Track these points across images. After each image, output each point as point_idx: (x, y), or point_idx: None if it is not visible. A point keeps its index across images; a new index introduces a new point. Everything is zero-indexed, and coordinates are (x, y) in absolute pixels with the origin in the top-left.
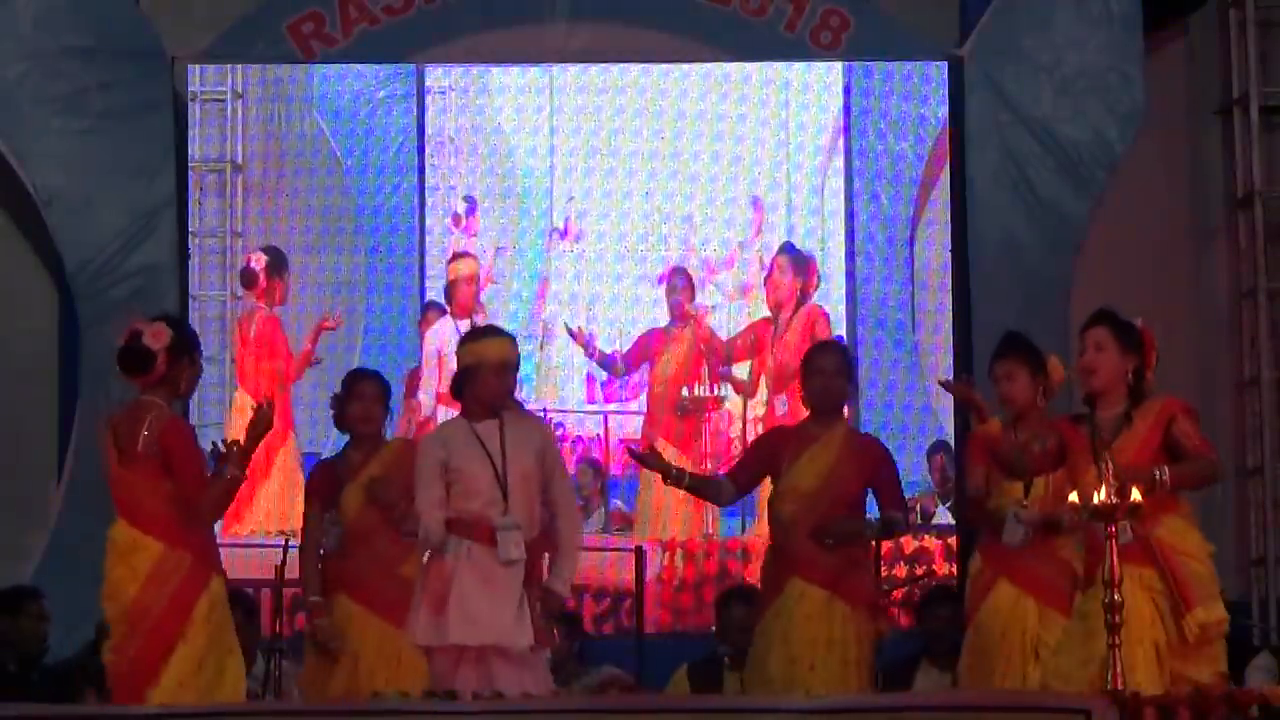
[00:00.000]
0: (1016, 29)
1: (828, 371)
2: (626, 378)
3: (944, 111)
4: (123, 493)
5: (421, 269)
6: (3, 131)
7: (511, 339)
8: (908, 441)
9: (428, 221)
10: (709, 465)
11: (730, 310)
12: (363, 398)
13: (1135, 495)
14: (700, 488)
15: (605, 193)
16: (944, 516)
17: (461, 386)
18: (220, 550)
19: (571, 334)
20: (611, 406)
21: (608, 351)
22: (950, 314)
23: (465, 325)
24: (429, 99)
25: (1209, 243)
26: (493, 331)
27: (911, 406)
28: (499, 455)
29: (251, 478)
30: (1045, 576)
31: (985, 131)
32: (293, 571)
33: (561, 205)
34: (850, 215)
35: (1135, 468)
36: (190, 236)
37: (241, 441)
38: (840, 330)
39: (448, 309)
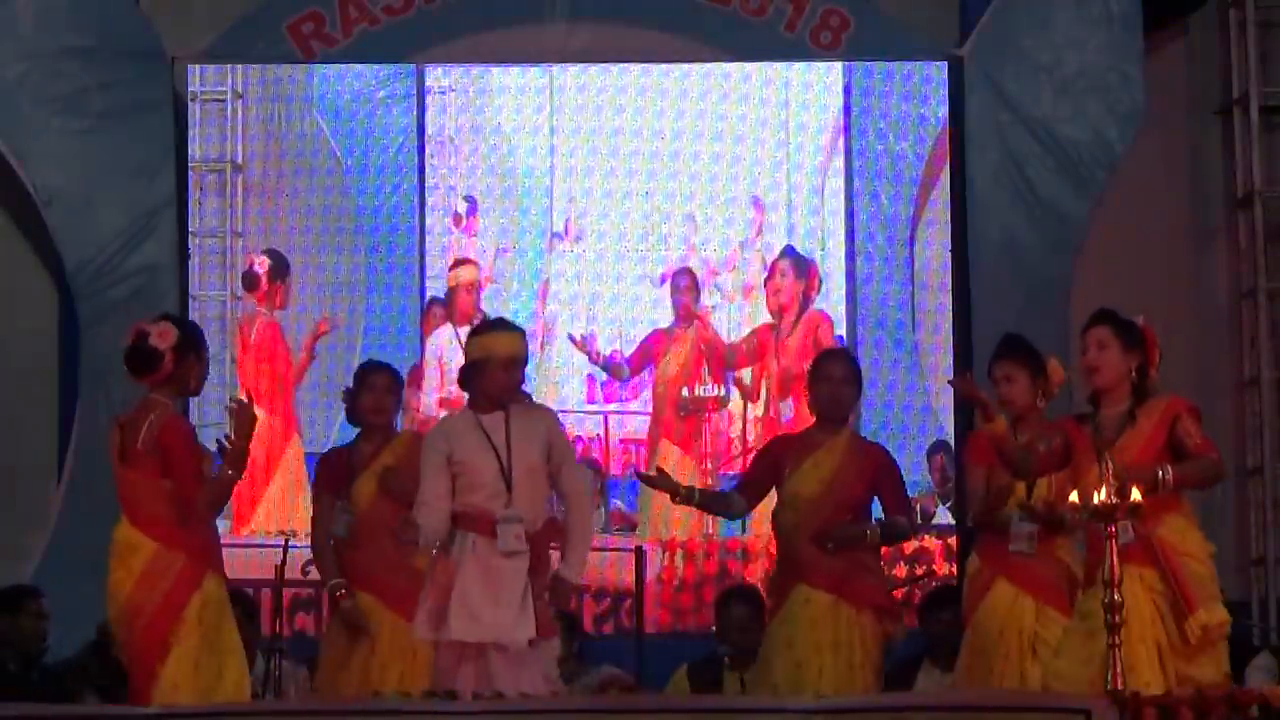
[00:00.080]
0: (1016, 29)
1: (835, 379)
2: (629, 379)
3: (944, 111)
4: (124, 491)
5: (421, 269)
6: (3, 131)
7: (521, 333)
8: (908, 441)
9: (428, 221)
10: (709, 465)
11: (730, 310)
12: (374, 388)
13: (1135, 495)
14: (710, 504)
15: (605, 193)
16: (944, 516)
17: (470, 379)
18: (222, 550)
19: (575, 343)
20: (611, 406)
21: (610, 354)
22: (950, 314)
23: (465, 332)
24: (429, 99)
25: (1209, 243)
26: (502, 325)
27: (911, 406)
28: (504, 448)
29: (256, 479)
30: (1043, 575)
31: (985, 131)
32: (293, 571)
33: (561, 205)
34: (850, 215)
35: (1138, 466)
36: (190, 236)
37: (234, 441)
38: (840, 330)
39: (448, 313)
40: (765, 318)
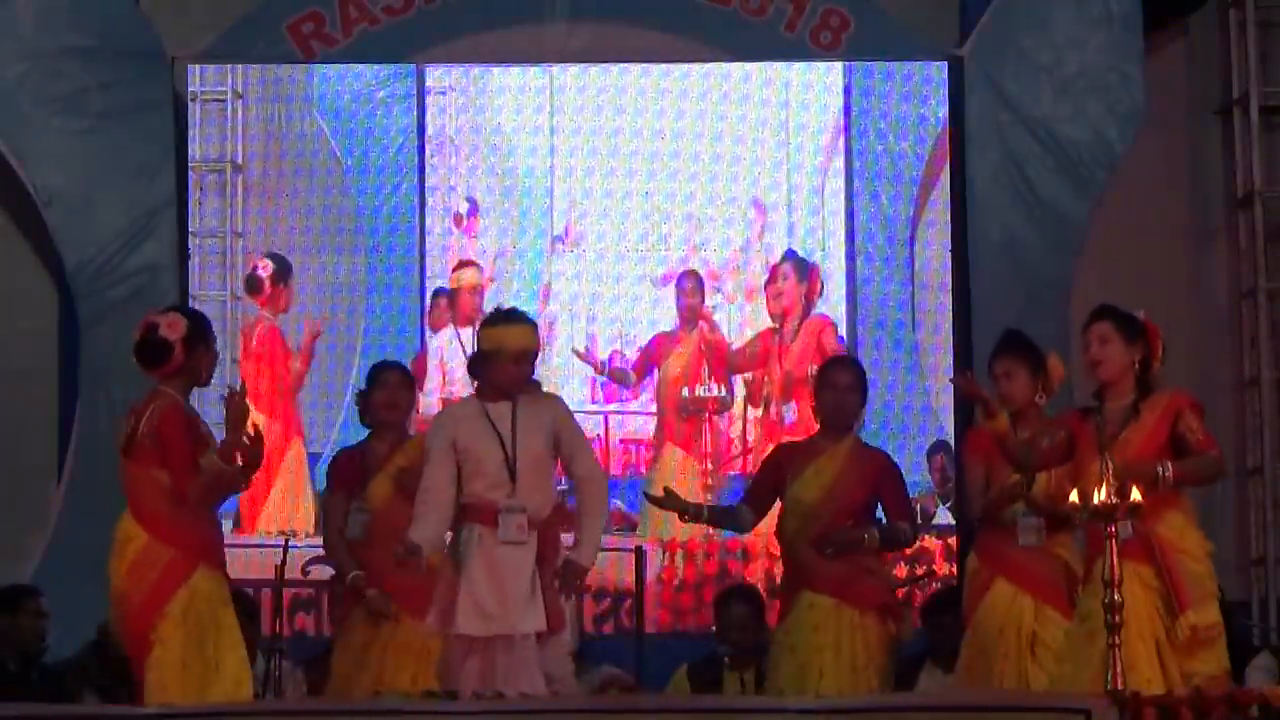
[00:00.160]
0: (1016, 29)
1: (840, 386)
2: (639, 382)
3: (944, 111)
4: (124, 482)
5: (421, 269)
6: (3, 131)
7: (532, 325)
8: (908, 441)
9: (428, 222)
10: (709, 465)
11: (731, 310)
12: (387, 385)
13: (1135, 495)
14: (719, 520)
15: (605, 193)
16: (944, 516)
17: (479, 369)
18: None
19: (579, 355)
20: (612, 407)
21: (613, 361)
22: (950, 314)
23: (467, 333)
24: (429, 99)
25: (1209, 243)
26: (514, 318)
27: (911, 406)
28: (509, 437)
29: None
30: (1042, 574)
31: (985, 131)
32: (293, 571)
33: (562, 205)
34: (850, 215)
35: (1138, 463)
36: (190, 236)
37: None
38: (840, 331)
39: (450, 312)
40: (767, 321)
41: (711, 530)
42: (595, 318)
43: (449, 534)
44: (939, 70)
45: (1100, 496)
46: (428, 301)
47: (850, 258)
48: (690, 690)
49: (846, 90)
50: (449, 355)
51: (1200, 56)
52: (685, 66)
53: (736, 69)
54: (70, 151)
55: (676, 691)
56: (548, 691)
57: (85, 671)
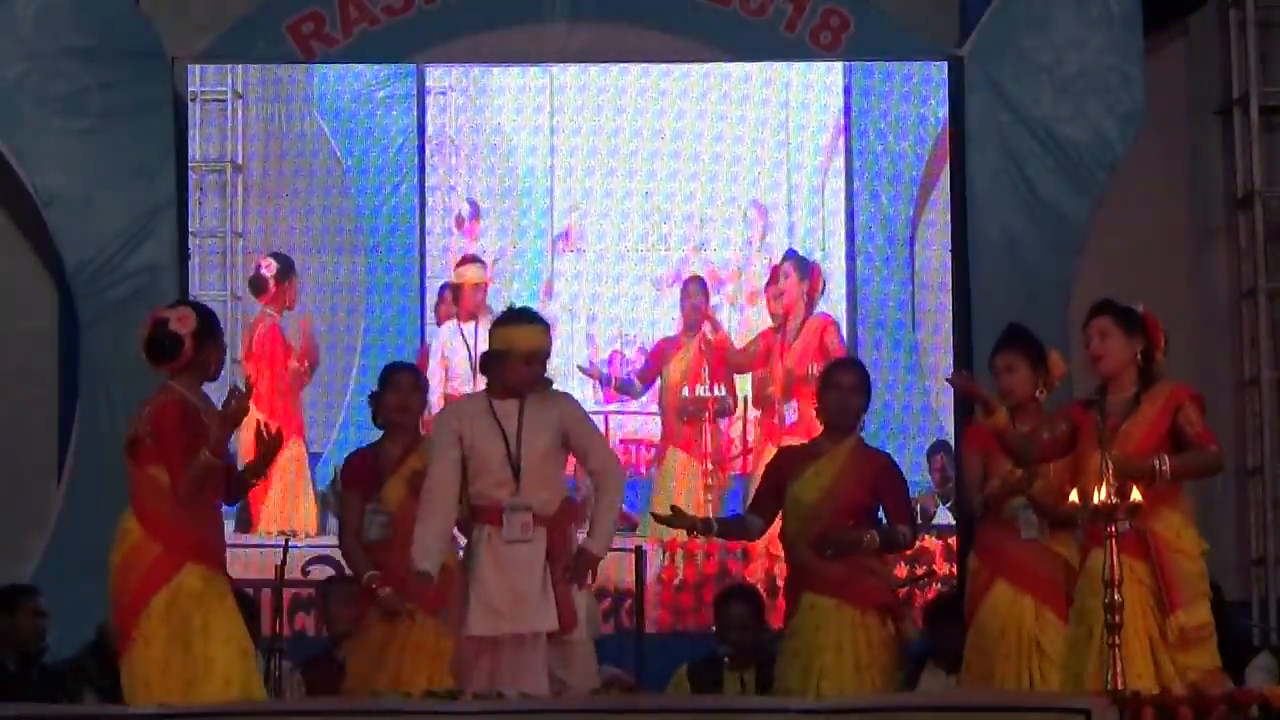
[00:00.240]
0: (1016, 29)
1: (844, 387)
2: (643, 394)
3: (944, 111)
4: (127, 478)
5: (422, 269)
6: (3, 131)
7: (544, 326)
8: (908, 441)
9: (428, 222)
10: (709, 465)
11: (732, 314)
12: (399, 388)
13: (1136, 495)
14: (729, 531)
15: (605, 193)
16: (944, 516)
17: (490, 367)
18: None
19: (585, 372)
20: (612, 407)
21: (613, 369)
22: (950, 314)
23: (469, 328)
24: (429, 99)
25: (1209, 243)
26: (526, 318)
27: (911, 406)
28: (514, 436)
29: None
30: (1042, 573)
31: (985, 131)
32: (293, 572)
33: (562, 206)
34: (850, 215)
35: (1136, 457)
36: (190, 236)
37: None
38: (841, 333)
39: (454, 306)
40: (769, 322)
41: None
42: (595, 318)
43: (460, 535)
44: (939, 70)
45: (1100, 496)
46: (431, 298)
47: (850, 258)
48: (690, 690)
49: (846, 90)
50: (450, 350)
51: (1200, 56)
52: (685, 66)
53: (736, 69)
54: (70, 151)
55: (676, 691)
56: (550, 692)
57: (85, 671)
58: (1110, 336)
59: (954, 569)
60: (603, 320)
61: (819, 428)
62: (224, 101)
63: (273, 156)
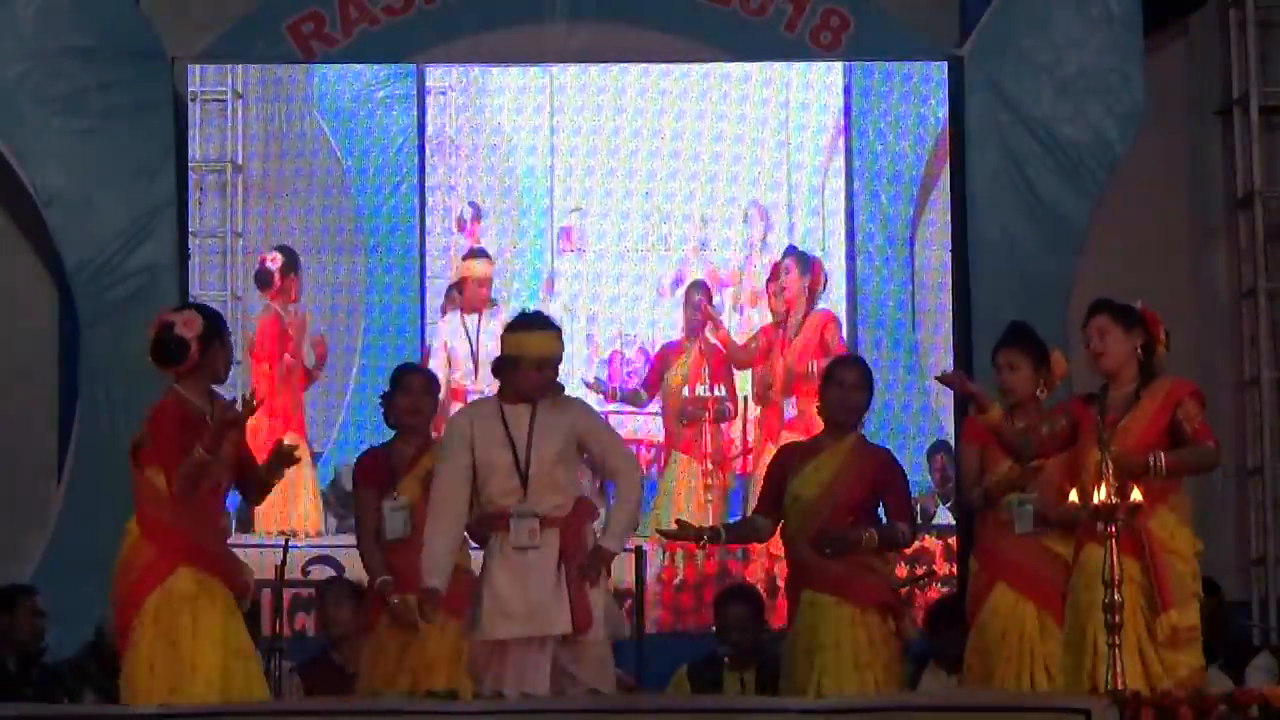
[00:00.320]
0: (1016, 29)
1: (847, 384)
2: (648, 403)
3: (944, 111)
4: (131, 482)
5: (422, 269)
6: (3, 131)
7: (556, 332)
8: (908, 441)
9: (428, 222)
10: (709, 465)
11: (731, 313)
12: (410, 390)
13: (1136, 495)
14: (738, 536)
15: (606, 193)
16: (944, 516)
17: (501, 372)
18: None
19: (589, 386)
20: (612, 407)
21: (612, 380)
22: (950, 314)
23: (473, 320)
24: (429, 99)
25: (1209, 243)
26: (538, 324)
27: (911, 406)
28: (523, 441)
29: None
30: (1042, 576)
31: (985, 131)
32: (293, 572)
33: (562, 205)
34: (850, 215)
35: (1135, 451)
36: (190, 236)
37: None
38: (841, 333)
39: (459, 299)
40: (771, 320)
41: None
42: (595, 318)
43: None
44: (939, 70)
45: (1100, 495)
46: (431, 299)
47: (850, 257)
48: (690, 690)
49: (846, 90)
50: (453, 342)
51: (1200, 56)
52: (685, 66)
53: (736, 69)
54: (70, 151)
55: (676, 691)
56: (559, 691)
57: (85, 671)
58: (1109, 334)
59: (954, 569)
60: (603, 320)
61: (818, 425)
62: (224, 101)
63: (273, 156)
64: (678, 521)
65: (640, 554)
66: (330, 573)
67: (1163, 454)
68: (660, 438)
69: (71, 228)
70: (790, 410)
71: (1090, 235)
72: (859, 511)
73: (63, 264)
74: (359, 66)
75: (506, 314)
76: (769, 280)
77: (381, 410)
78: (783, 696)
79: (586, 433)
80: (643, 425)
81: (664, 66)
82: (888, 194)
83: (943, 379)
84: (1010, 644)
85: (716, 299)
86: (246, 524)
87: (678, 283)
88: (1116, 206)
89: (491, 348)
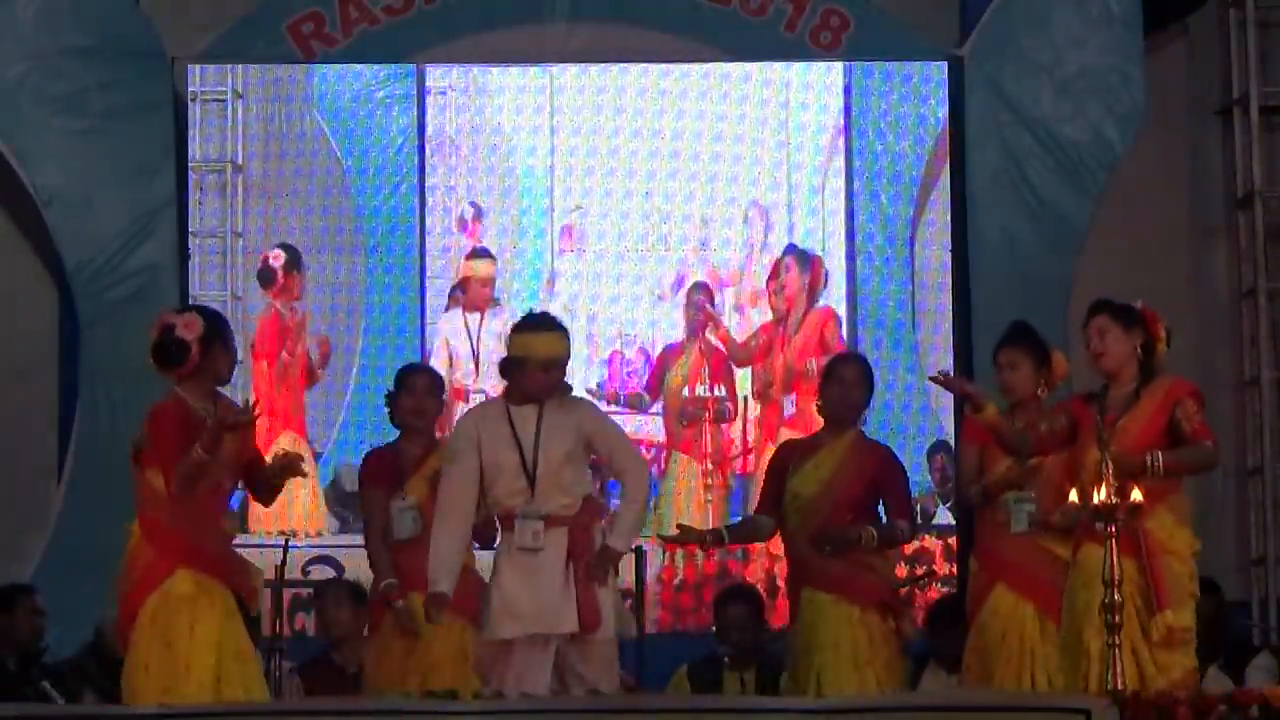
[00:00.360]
0: (1016, 29)
1: (847, 380)
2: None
3: (944, 111)
4: (133, 485)
5: (422, 269)
6: (3, 131)
7: (562, 333)
8: (908, 441)
9: (428, 222)
10: (709, 465)
11: (732, 313)
12: (414, 391)
13: (1136, 495)
14: (741, 537)
15: (606, 193)
16: (944, 516)
17: (508, 372)
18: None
19: (590, 393)
20: (611, 407)
21: (612, 382)
22: (950, 314)
23: (475, 319)
24: (429, 99)
25: (1209, 243)
26: (545, 325)
27: (911, 406)
28: (530, 442)
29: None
30: (1042, 579)
31: (985, 131)
32: (293, 571)
33: (562, 205)
34: (850, 215)
35: (1134, 450)
36: (190, 236)
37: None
38: (841, 332)
39: (462, 297)
40: (771, 319)
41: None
42: (595, 318)
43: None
44: (939, 70)
45: (1100, 495)
46: (430, 299)
47: (850, 258)
48: (690, 690)
49: (846, 90)
50: (455, 340)
51: (1200, 56)
52: (685, 66)
53: (736, 69)
54: (70, 151)
55: (676, 691)
56: (565, 690)
57: (85, 671)
58: (1109, 334)
59: (954, 569)
60: (603, 320)
61: (818, 423)
62: (224, 101)
63: (273, 156)
64: (680, 526)
65: (640, 554)
66: (330, 573)
67: (1160, 454)
68: (661, 438)
69: (71, 228)
70: (789, 408)
71: (1090, 235)
72: (858, 509)
73: (63, 264)
74: (359, 66)
75: (508, 314)
76: (769, 278)
77: (387, 410)
78: (785, 695)
79: (594, 433)
80: (643, 425)
81: (664, 66)
82: (888, 194)
83: (936, 380)
84: (1010, 645)
85: (717, 299)
86: (242, 523)
87: (679, 285)
88: (1116, 206)
89: (492, 347)
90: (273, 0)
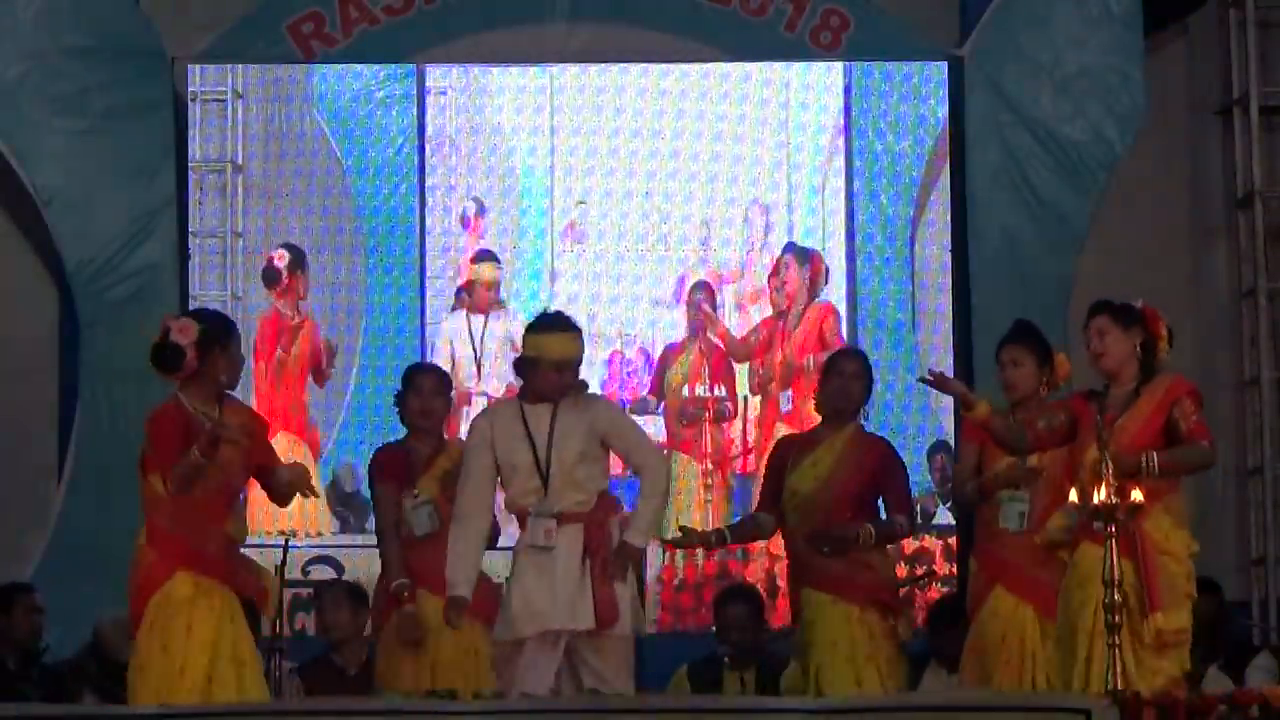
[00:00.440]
0: (1016, 29)
1: (847, 374)
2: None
3: (944, 111)
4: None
5: (422, 269)
6: (3, 131)
7: (575, 333)
8: (908, 441)
9: (428, 221)
10: (709, 465)
11: (733, 311)
12: (420, 391)
13: (1137, 495)
14: (742, 536)
15: (606, 193)
16: (944, 516)
17: (523, 372)
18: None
19: None
20: None
21: (609, 355)
22: (950, 314)
23: (479, 321)
24: (429, 99)
25: (1209, 243)
26: (559, 325)
27: (911, 406)
28: (544, 441)
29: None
30: (1042, 581)
31: (985, 131)
32: (293, 571)
33: (562, 205)
34: (850, 215)
35: (1131, 449)
36: (190, 236)
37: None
38: (841, 330)
39: (468, 299)
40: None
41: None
42: (595, 318)
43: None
44: (939, 70)
45: (1100, 495)
46: (431, 299)
47: (850, 257)
48: (690, 690)
49: (846, 90)
50: (459, 344)
51: (1200, 56)
52: (685, 66)
53: (736, 69)
54: (70, 151)
55: (676, 691)
56: (580, 687)
57: (84, 671)
58: (1108, 334)
59: (954, 569)
60: (603, 320)
61: (813, 421)
62: (224, 101)
63: (273, 156)
64: (681, 528)
65: (640, 554)
66: (330, 573)
67: (1155, 454)
68: (662, 438)
69: (71, 228)
70: (786, 405)
71: (1090, 235)
72: (858, 505)
73: (63, 264)
74: (359, 66)
75: (512, 316)
76: (770, 276)
77: (396, 411)
78: (785, 694)
79: (609, 429)
80: (643, 426)
81: (664, 66)
82: (888, 194)
83: (925, 381)
84: (1011, 647)
85: (718, 296)
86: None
87: (680, 286)
88: (1116, 206)
89: (494, 349)
90: (273, 0)
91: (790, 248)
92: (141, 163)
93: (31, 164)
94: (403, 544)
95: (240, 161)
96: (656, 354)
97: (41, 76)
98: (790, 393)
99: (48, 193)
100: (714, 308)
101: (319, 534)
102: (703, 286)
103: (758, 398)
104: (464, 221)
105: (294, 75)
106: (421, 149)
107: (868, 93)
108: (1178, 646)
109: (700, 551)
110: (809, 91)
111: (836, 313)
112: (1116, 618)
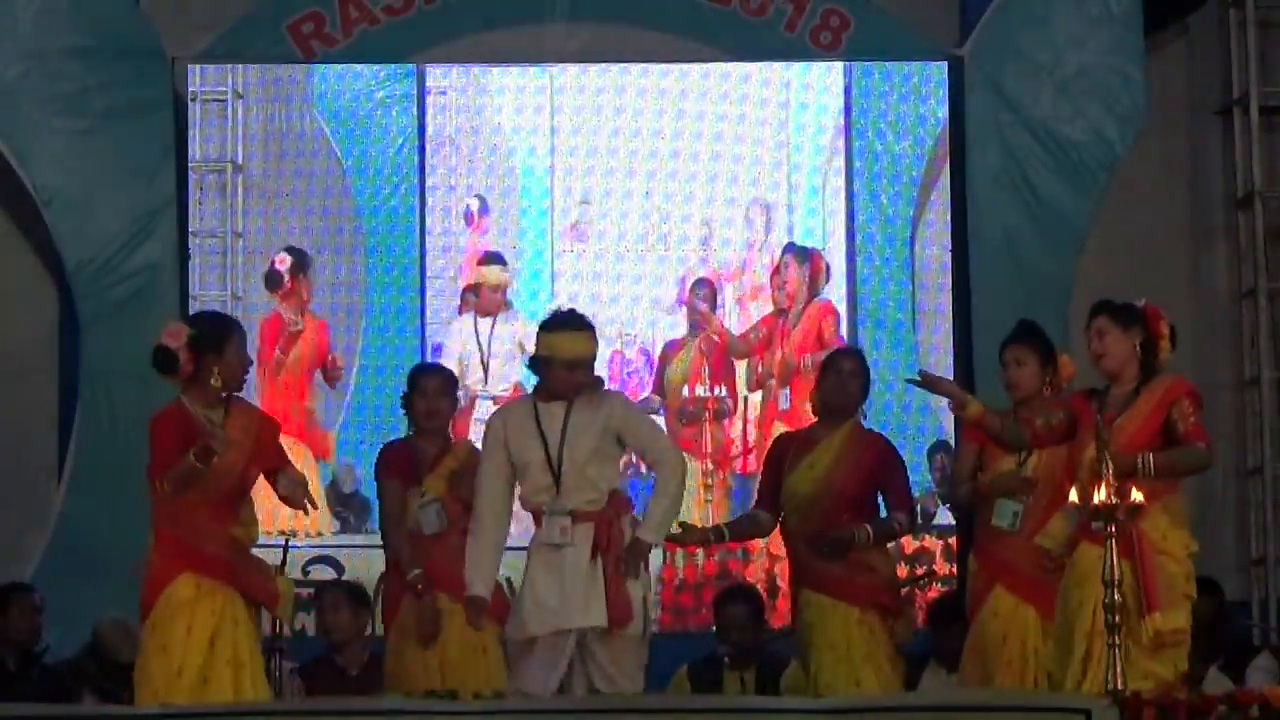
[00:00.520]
0: (1016, 29)
1: (845, 371)
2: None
3: (944, 111)
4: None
5: (422, 269)
6: (3, 131)
7: (589, 332)
8: (908, 441)
9: (428, 222)
10: (709, 464)
11: (733, 310)
12: (425, 392)
13: (1137, 495)
14: (741, 533)
15: (606, 193)
16: (944, 516)
17: (536, 370)
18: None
19: None
20: None
21: (609, 355)
22: (950, 314)
23: (486, 324)
24: (429, 99)
25: (1209, 243)
26: (571, 324)
27: (911, 407)
28: (556, 439)
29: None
30: (1042, 582)
31: (985, 131)
32: (293, 571)
33: (562, 205)
34: (850, 215)
35: (1128, 449)
36: (190, 236)
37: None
38: (841, 330)
39: (475, 301)
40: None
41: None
42: (596, 317)
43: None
44: (939, 70)
45: (1100, 495)
46: (431, 299)
47: (850, 257)
48: (690, 690)
49: (846, 90)
50: (465, 346)
51: (1200, 56)
52: (685, 66)
53: (736, 69)
54: (70, 151)
55: (676, 691)
56: (595, 686)
57: (84, 672)
58: (1108, 334)
59: (954, 569)
60: (603, 320)
61: (810, 419)
62: (224, 101)
63: (273, 156)
64: (681, 525)
65: None
66: (330, 573)
67: (1151, 455)
68: None
69: (71, 228)
70: (784, 402)
71: (1090, 235)
72: (857, 505)
73: (63, 264)
74: (359, 66)
75: (518, 318)
76: (771, 276)
77: (403, 412)
78: (785, 694)
79: (623, 426)
80: None
81: (664, 66)
82: (888, 194)
83: (913, 381)
84: (1011, 648)
85: (719, 294)
86: None
87: (683, 289)
88: (1116, 206)
89: (501, 351)
90: (273, 0)
91: (790, 247)
92: (141, 163)
93: (31, 164)
94: (409, 540)
95: (240, 161)
96: (657, 354)
97: (41, 76)
98: (789, 391)
99: (48, 193)
100: (715, 305)
101: (319, 534)
102: (704, 283)
103: (758, 396)
104: (467, 218)
105: (294, 75)
106: (421, 149)
107: (868, 93)
108: (1175, 647)
109: (700, 551)
110: (809, 91)
111: (836, 312)
112: (1116, 617)
